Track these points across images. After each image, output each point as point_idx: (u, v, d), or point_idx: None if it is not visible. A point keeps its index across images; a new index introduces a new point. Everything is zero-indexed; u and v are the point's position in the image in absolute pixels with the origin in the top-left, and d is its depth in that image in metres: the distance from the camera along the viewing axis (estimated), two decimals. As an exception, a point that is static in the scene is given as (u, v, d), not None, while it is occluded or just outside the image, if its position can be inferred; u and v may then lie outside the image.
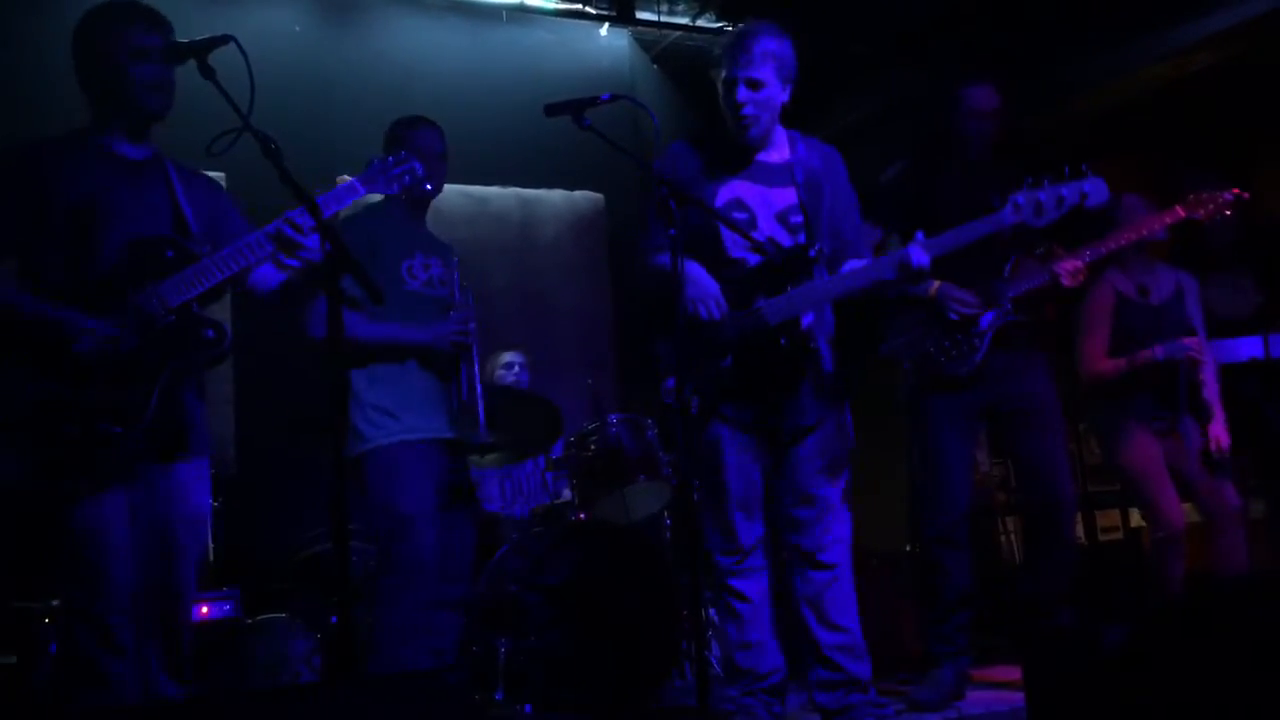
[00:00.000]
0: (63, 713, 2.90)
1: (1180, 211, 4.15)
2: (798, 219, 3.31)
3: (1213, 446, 4.38)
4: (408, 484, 3.52)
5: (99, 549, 2.70)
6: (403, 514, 3.49)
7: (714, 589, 3.42)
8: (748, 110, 3.27)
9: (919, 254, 3.15)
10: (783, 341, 3.22)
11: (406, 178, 3.02)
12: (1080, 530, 6.44)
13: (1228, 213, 4.16)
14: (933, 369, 3.95)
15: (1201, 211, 4.14)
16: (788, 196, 3.33)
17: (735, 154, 3.37)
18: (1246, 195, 4.18)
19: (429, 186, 3.39)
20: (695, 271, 3.24)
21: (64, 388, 2.64)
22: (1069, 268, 3.89)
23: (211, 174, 3.20)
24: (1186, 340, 4.31)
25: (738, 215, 3.30)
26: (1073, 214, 3.27)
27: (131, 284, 2.74)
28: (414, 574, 3.47)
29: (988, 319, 3.89)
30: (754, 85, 3.26)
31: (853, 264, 3.32)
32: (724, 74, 3.29)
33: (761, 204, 3.33)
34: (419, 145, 3.68)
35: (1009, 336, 3.92)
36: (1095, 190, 3.25)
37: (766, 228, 3.30)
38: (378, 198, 3.83)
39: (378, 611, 3.49)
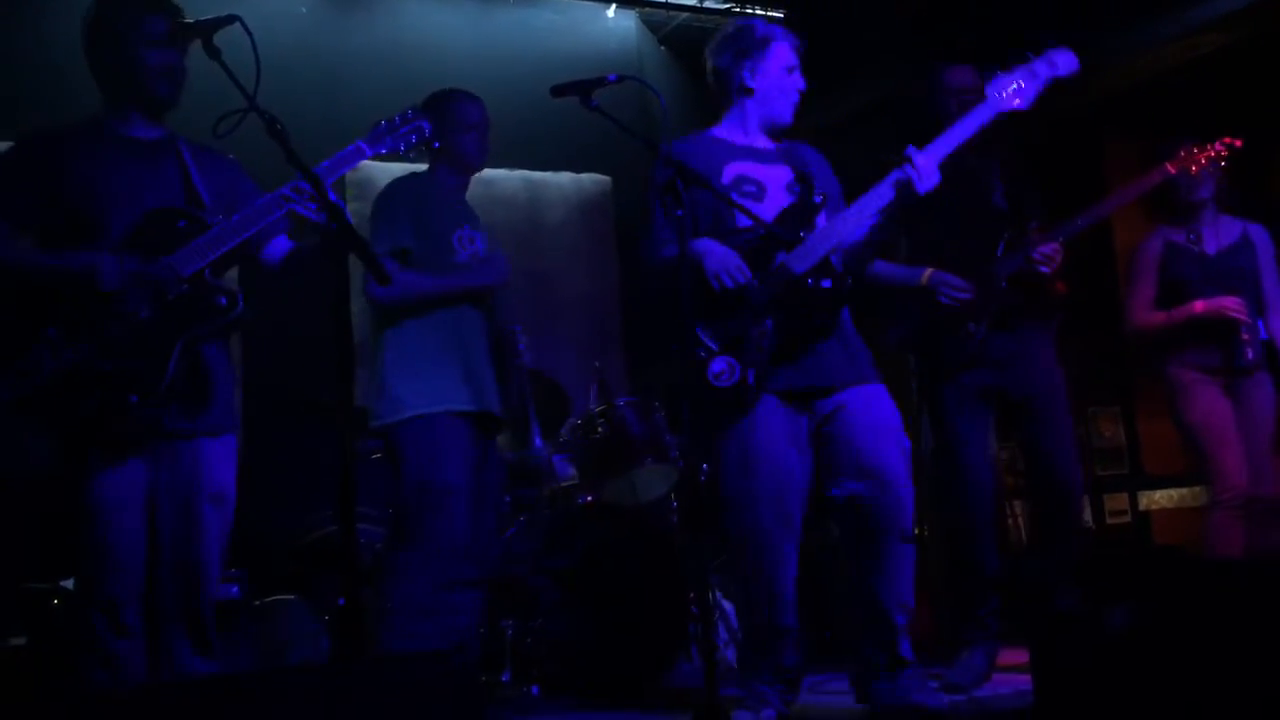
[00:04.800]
0: (71, 694, 2.91)
1: (1169, 168, 3.99)
2: (800, 188, 3.35)
3: None
4: (449, 456, 3.48)
5: (110, 530, 2.72)
6: (441, 486, 3.44)
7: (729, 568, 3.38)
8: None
9: (918, 159, 3.16)
10: (815, 283, 3.20)
11: (414, 136, 2.97)
12: (1088, 514, 6.47)
13: (1222, 164, 4.04)
14: (936, 357, 3.94)
15: (1193, 165, 4.00)
16: (786, 173, 3.39)
17: (724, 142, 3.43)
18: (1239, 143, 4.03)
19: (437, 145, 3.30)
20: (707, 245, 3.23)
21: (81, 357, 2.64)
22: (1044, 251, 3.82)
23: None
24: (1227, 300, 4.13)
25: (747, 188, 3.31)
26: (1052, 87, 3.33)
27: (144, 255, 2.74)
28: (442, 550, 3.43)
29: (981, 301, 3.85)
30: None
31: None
32: (786, 61, 3.38)
33: (768, 178, 3.36)
34: (454, 116, 3.70)
35: (1009, 318, 3.90)
36: (1064, 60, 3.34)
37: (776, 199, 3.32)
38: (423, 166, 3.86)
39: (395, 585, 3.43)
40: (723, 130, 3.48)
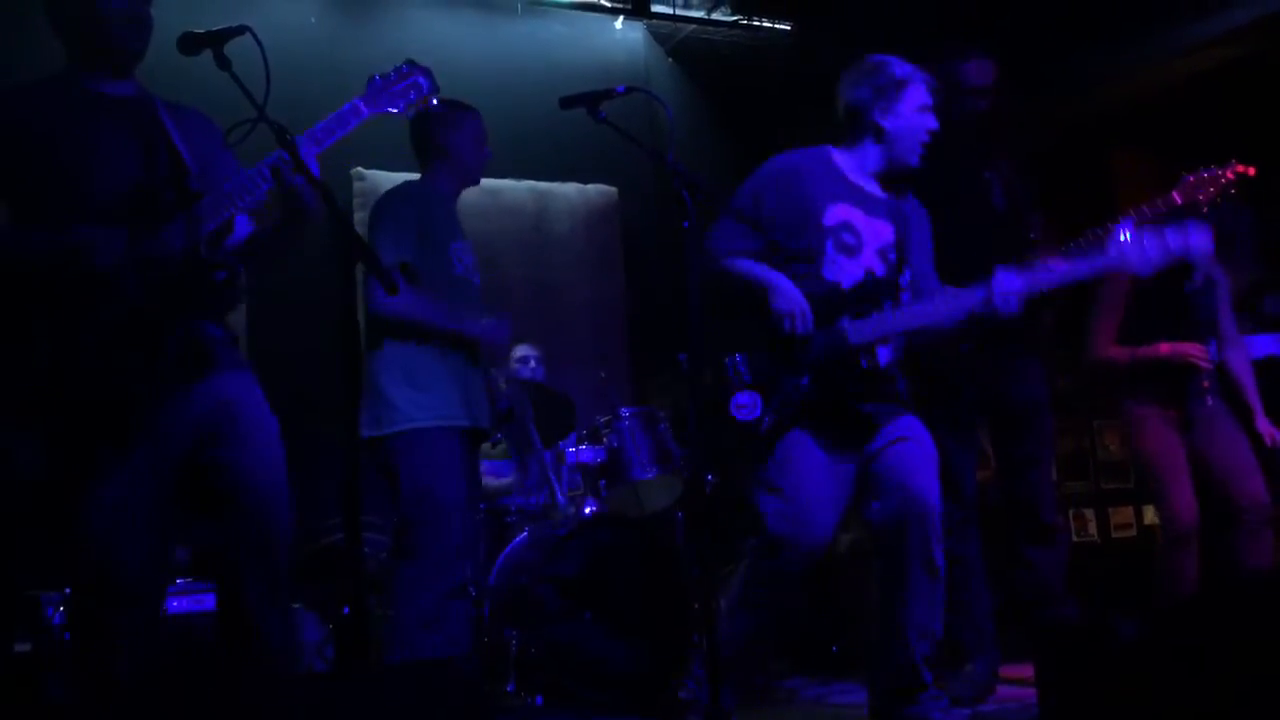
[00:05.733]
0: (74, 700, 2.91)
1: (1176, 198, 3.89)
2: (894, 257, 3.27)
3: (1266, 439, 4.22)
4: (448, 471, 3.48)
5: (115, 524, 2.54)
6: (441, 501, 3.44)
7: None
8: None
9: (1008, 280, 3.06)
10: (863, 364, 3.15)
11: (412, 93, 2.81)
12: (1093, 527, 6.46)
13: (1232, 193, 3.95)
14: (926, 370, 3.95)
15: (1201, 195, 3.89)
16: (888, 232, 3.29)
17: (839, 172, 3.32)
18: (1252, 171, 3.94)
19: (435, 101, 2.99)
20: (782, 282, 3.17)
21: (76, 350, 2.46)
22: (1056, 269, 3.81)
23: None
24: (1191, 346, 4.15)
25: (846, 238, 3.24)
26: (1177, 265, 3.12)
27: (133, 229, 2.54)
28: (442, 563, 3.44)
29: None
30: None
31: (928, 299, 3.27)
32: (921, 101, 3.28)
33: (869, 233, 3.27)
34: (475, 132, 3.72)
35: (1003, 336, 3.90)
36: (1199, 240, 3.05)
37: (868, 259, 3.25)
38: (417, 176, 3.85)
39: (400, 599, 3.42)
40: (843, 157, 3.36)
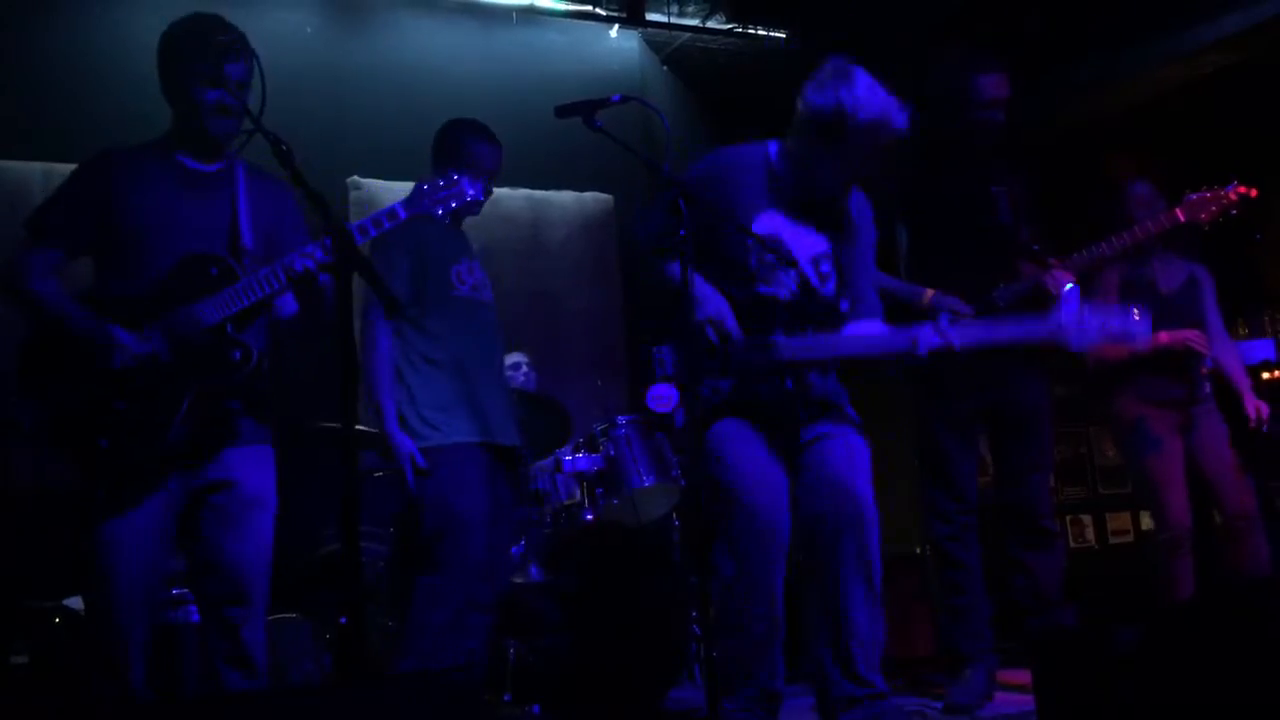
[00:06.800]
0: (73, 712, 2.93)
1: (1179, 215, 3.98)
2: (827, 268, 3.22)
3: (1252, 417, 4.28)
4: (467, 486, 3.51)
5: (119, 562, 2.75)
6: (459, 516, 3.48)
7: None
8: None
9: (928, 338, 3.03)
10: (788, 384, 3.14)
11: (453, 202, 2.88)
12: (1091, 533, 6.46)
13: (1233, 213, 4.01)
14: (929, 378, 3.97)
15: (1204, 214, 3.96)
16: (820, 243, 3.22)
17: (777, 181, 3.22)
18: (1254, 192, 3.99)
19: (477, 198, 3.16)
20: (707, 292, 3.10)
21: (99, 397, 2.70)
22: (1060, 280, 3.84)
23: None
24: (1189, 332, 4.21)
25: (769, 258, 3.14)
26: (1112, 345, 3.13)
27: (175, 301, 2.77)
28: (458, 576, 3.46)
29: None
30: None
31: (864, 325, 3.21)
32: (892, 127, 3.05)
33: (799, 244, 3.19)
34: (470, 155, 3.68)
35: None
36: (1140, 329, 3.04)
37: (802, 269, 3.17)
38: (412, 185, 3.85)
39: (418, 612, 3.46)
40: (779, 156, 3.25)
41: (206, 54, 2.78)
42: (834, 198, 3.24)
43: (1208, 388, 4.30)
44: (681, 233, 2.83)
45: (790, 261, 3.12)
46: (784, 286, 3.17)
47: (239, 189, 2.93)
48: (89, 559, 2.76)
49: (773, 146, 3.28)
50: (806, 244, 3.21)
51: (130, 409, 2.71)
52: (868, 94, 3.04)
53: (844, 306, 3.17)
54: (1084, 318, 3.02)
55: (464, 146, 3.72)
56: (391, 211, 2.85)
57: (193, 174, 2.92)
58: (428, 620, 3.44)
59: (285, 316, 3.04)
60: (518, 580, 4.21)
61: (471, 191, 2.90)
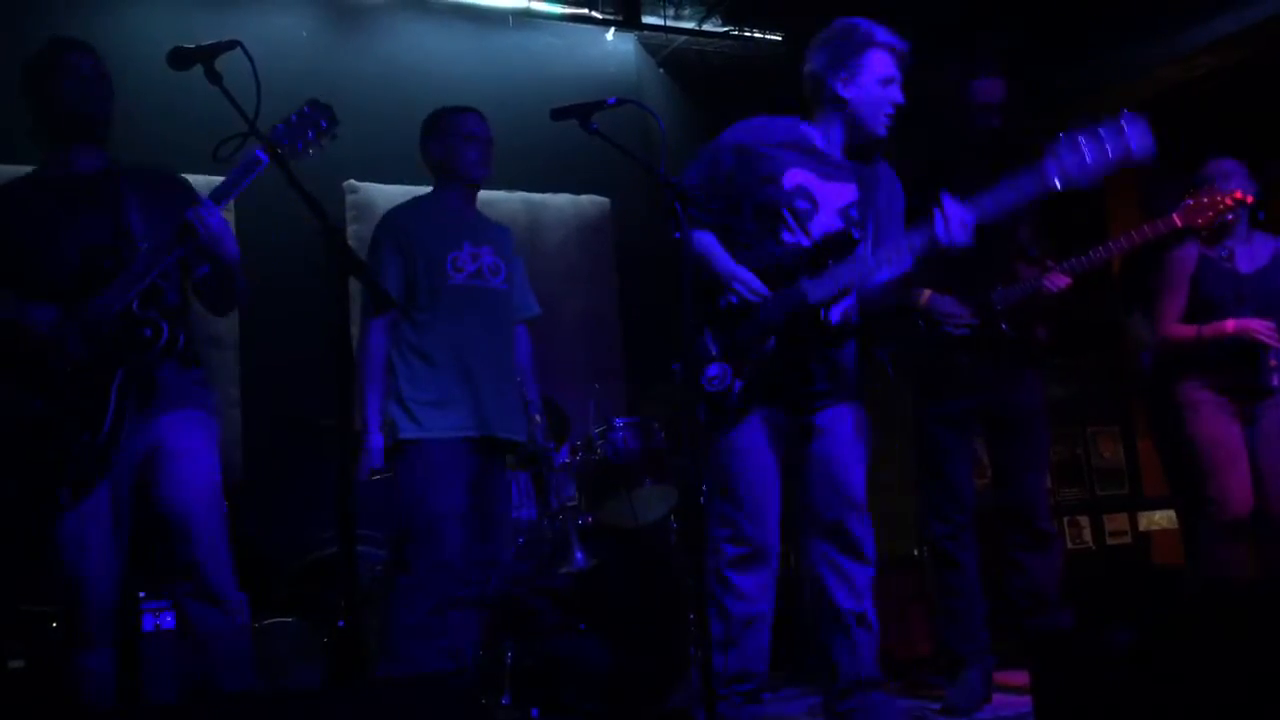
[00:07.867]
0: (68, 716, 2.93)
1: (1176, 220, 3.92)
2: (856, 214, 3.24)
3: None
4: (441, 482, 3.50)
5: (80, 562, 2.85)
6: (432, 512, 3.47)
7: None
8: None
9: (950, 210, 2.96)
10: (825, 315, 3.15)
11: (310, 132, 2.89)
12: (1088, 534, 6.46)
13: (1229, 219, 4.00)
14: (924, 378, 3.97)
15: (1200, 219, 3.92)
16: (849, 192, 3.24)
17: (804, 140, 3.27)
18: (1250, 199, 3.97)
19: (335, 135, 3.00)
20: (729, 264, 3.17)
21: (38, 403, 2.81)
22: (1058, 283, 3.85)
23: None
24: (1256, 322, 4.04)
25: (801, 203, 3.20)
26: (1119, 167, 2.90)
27: (81, 298, 2.86)
28: (433, 574, 3.45)
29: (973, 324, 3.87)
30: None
31: (887, 271, 3.20)
32: (884, 72, 3.18)
33: (826, 195, 3.23)
34: (450, 126, 3.74)
35: (1000, 349, 3.91)
36: (1137, 136, 2.87)
37: (827, 220, 3.21)
38: (425, 189, 3.87)
39: (391, 611, 3.45)
40: (809, 128, 3.30)
41: (46, 58, 2.97)
42: (870, 147, 3.26)
43: (1276, 380, 4.10)
44: (676, 235, 2.84)
45: (812, 211, 3.19)
46: (806, 236, 3.19)
47: (123, 188, 3.00)
48: (54, 560, 2.85)
49: (800, 121, 3.32)
50: (835, 194, 3.24)
51: (71, 408, 2.80)
52: (864, 24, 3.23)
53: (856, 235, 3.16)
54: (1081, 151, 2.87)
55: (444, 120, 3.77)
56: (254, 159, 2.83)
57: (72, 178, 3.00)
58: (397, 621, 3.44)
59: (199, 279, 3.10)
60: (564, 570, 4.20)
61: (326, 124, 2.90)
